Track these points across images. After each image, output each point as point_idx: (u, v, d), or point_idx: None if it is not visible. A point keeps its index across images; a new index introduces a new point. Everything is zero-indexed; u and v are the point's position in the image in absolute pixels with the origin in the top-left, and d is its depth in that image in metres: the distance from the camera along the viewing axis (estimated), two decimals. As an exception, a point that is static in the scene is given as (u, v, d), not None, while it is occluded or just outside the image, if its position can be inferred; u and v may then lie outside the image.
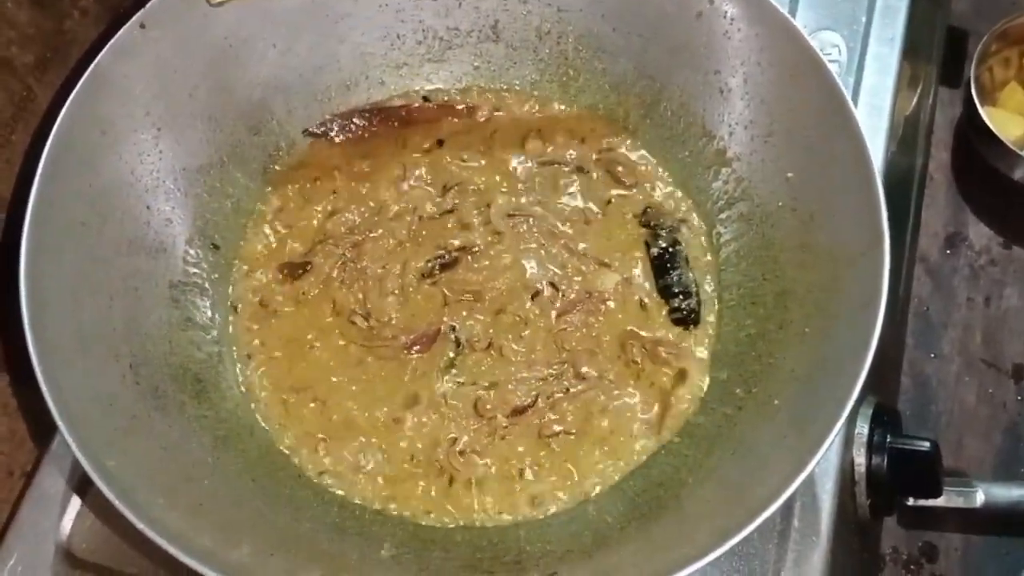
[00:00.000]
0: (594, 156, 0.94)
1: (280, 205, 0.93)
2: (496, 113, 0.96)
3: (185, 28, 0.85)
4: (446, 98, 0.96)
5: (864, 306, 0.73)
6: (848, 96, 0.79)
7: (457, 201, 0.92)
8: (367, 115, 0.95)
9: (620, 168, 0.92)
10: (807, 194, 0.82)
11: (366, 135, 0.95)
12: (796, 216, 0.83)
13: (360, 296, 0.89)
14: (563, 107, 0.96)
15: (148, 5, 0.82)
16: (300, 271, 0.90)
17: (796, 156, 0.83)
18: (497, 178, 0.94)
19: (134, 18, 0.82)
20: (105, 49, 0.81)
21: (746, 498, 0.71)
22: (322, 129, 0.95)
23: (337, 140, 0.95)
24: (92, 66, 0.80)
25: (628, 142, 0.94)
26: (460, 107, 0.96)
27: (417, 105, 0.96)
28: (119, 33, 0.81)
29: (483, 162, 0.94)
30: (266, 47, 0.90)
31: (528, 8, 0.92)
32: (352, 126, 0.95)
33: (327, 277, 0.90)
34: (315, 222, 0.92)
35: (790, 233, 0.83)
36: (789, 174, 0.83)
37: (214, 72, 0.88)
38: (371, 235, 0.91)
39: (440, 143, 0.95)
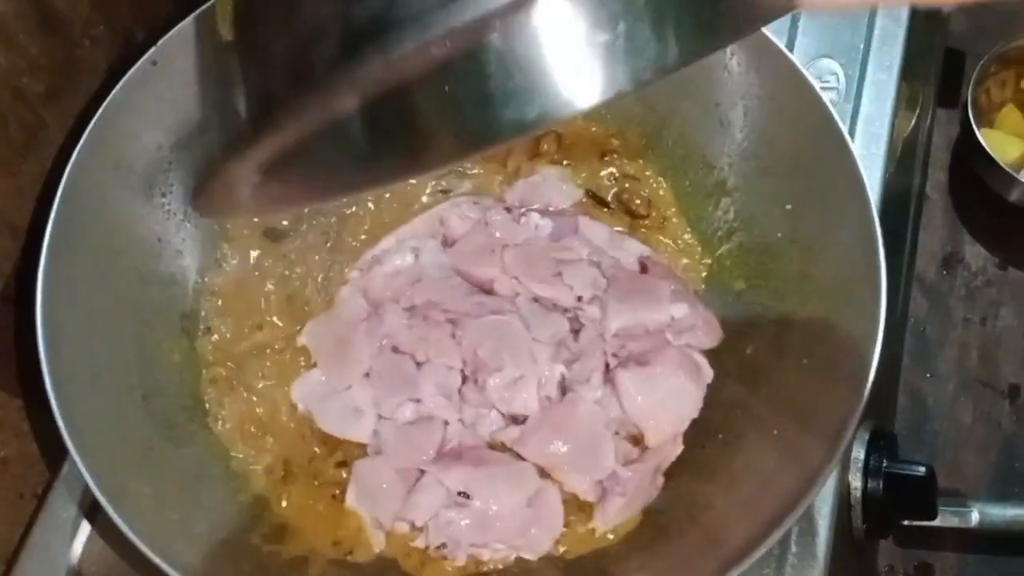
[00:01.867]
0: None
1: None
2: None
3: (196, 64, 0.86)
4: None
5: (862, 337, 0.74)
6: (845, 129, 0.81)
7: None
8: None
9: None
10: (806, 225, 0.84)
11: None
12: (795, 247, 0.84)
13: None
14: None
15: (160, 42, 0.84)
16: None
17: (795, 188, 0.84)
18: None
19: (146, 55, 0.83)
20: (118, 86, 0.83)
21: (744, 527, 0.72)
22: None
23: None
24: (105, 103, 0.82)
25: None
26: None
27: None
28: (131, 70, 0.83)
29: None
30: (274, 80, 0.91)
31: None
32: None
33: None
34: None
35: (789, 264, 0.84)
36: (788, 205, 0.85)
37: (224, 106, 0.89)
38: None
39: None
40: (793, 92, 0.83)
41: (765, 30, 0.82)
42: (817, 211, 0.83)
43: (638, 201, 0.92)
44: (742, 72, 0.86)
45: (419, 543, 0.81)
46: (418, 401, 0.84)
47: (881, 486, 0.90)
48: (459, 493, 0.80)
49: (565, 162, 0.95)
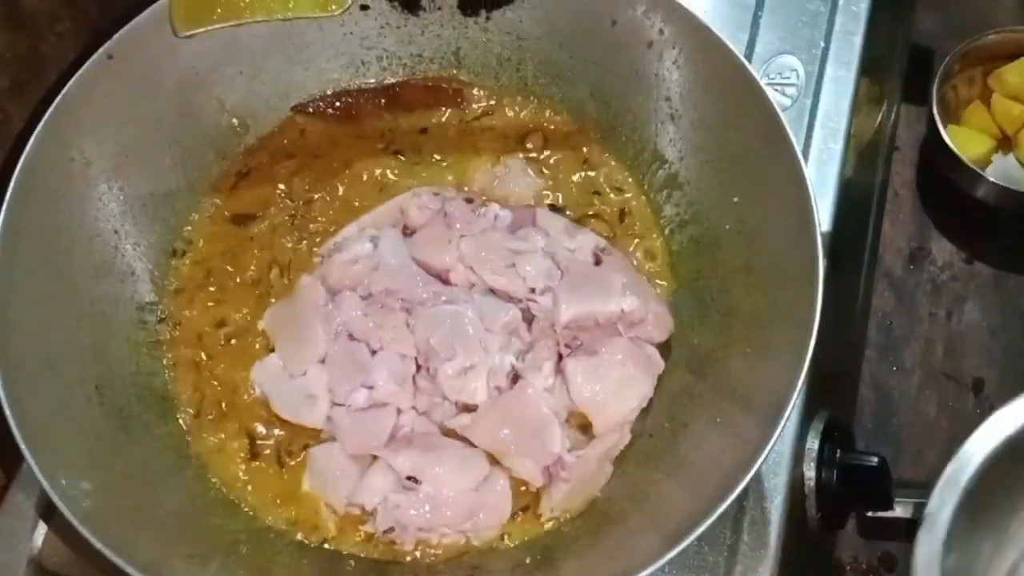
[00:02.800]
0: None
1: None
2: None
3: (152, 57, 0.87)
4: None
5: (799, 326, 0.75)
6: (785, 122, 0.81)
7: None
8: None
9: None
10: (751, 218, 0.85)
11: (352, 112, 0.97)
12: (741, 239, 0.85)
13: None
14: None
15: (116, 36, 0.85)
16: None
17: (741, 181, 0.85)
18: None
19: (101, 49, 0.84)
20: (73, 79, 0.84)
21: (684, 513, 0.73)
22: (313, 107, 0.97)
23: (328, 114, 0.97)
24: (60, 95, 0.83)
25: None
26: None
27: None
28: (87, 64, 0.84)
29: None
30: (233, 74, 0.93)
31: (488, 37, 0.95)
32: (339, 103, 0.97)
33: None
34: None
35: (736, 256, 0.85)
36: (735, 198, 0.86)
37: (181, 99, 0.90)
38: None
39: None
40: (738, 86, 0.84)
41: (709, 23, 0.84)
42: (761, 203, 0.84)
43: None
44: (689, 67, 0.88)
45: (368, 527, 0.82)
46: (371, 388, 0.85)
47: (835, 476, 0.92)
48: (408, 478, 0.82)
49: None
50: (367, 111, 0.97)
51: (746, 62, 0.84)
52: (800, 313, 0.76)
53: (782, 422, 0.72)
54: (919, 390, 1.20)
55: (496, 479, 0.83)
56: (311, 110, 0.97)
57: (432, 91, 0.98)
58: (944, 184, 1.23)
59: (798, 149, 0.80)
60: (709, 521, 0.70)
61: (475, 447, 0.84)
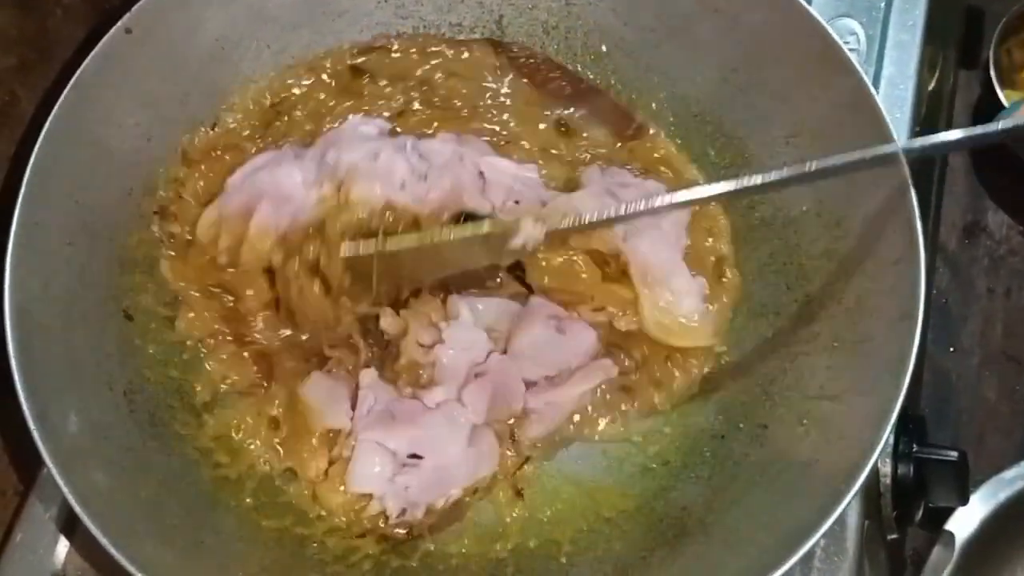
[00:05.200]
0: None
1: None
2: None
3: (174, 31, 0.81)
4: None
5: (899, 320, 0.70)
6: (875, 92, 0.75)
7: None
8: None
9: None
10: (833, 198, 0.79)
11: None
12: (820, 221, 0.80)
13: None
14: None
15: (134, 8, 0.79)
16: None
17: (819, 158, 0.79)
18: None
19: (119, 23, 0.78)
20: (89, 57, 0.78)
21: (777, 528, 0.67)
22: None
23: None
24: (76, 75, 0.77)
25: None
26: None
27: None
28: (104, 39, 0.78)
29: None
30: (260, 48, 0.87)
31: (534, 3, 0.89)
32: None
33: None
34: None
35: (815, 239, 0.80)
36: (814, 177, 0.80)
37: (206, 76, 0.84)
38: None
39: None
40: (818, 53, 0.78)
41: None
42: (846, 183, 0.77)
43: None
44: (762, 34, 0.81)
45: (372, 511, 0.78)
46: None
47: (911, 472, 0.86)
48: (410, 456, 0.78)
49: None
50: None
51: (827, 25, 0.77)
52: (899, 307, 0.70)
53: (885, 433, 0.67)
54: (978, 372, 1.15)
55: (480, 429, 0.80)
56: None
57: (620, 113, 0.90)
58: (999, 153, 1.17)
59: (889, 120, 0.73)
60: (810, 543, 0.64)
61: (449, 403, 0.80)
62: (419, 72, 0.90)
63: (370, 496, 0.78)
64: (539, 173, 0.87)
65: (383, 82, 0.90)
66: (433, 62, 0.90)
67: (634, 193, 0.83)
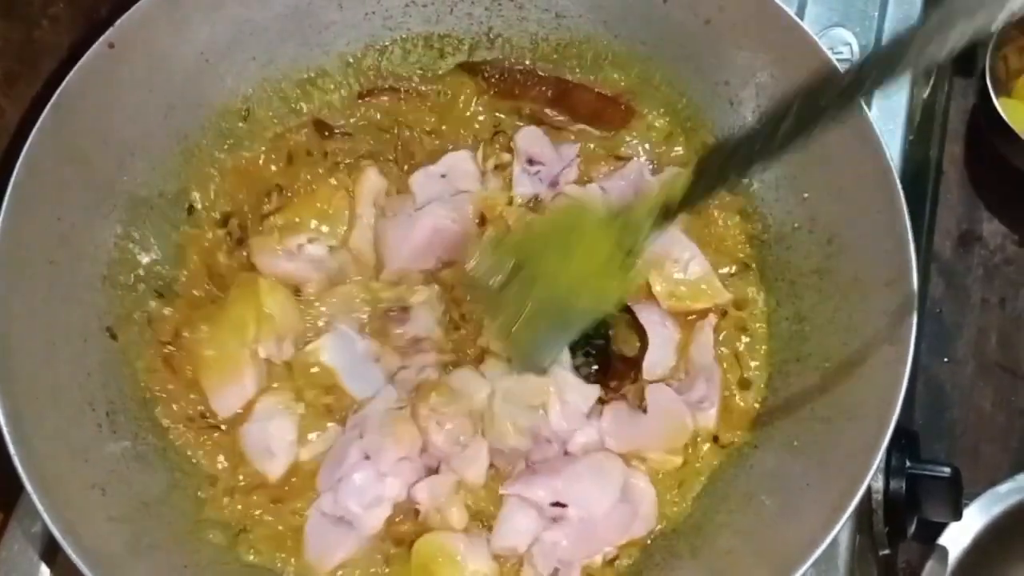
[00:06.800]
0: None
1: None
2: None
3: (158, 45, 0.80)
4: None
5: (890, 344, 0.69)
6: (868, 109, 0.74)
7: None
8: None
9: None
10: (825, 216, 0.78)
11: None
12: (812, 239, 0.79)
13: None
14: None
15: (117, 22, 0.78)
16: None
17: (813, 175, 0.79)
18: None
19: (102, 37, 0.77)
20: (72, 72, 0.76)
21: (767, 552, 0.67)
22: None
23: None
24: (58, 91, 0.76)
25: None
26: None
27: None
28: (87, 54, 0.77)
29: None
30: (246, 60, 0.85)
31: (524, 14, 0.88)
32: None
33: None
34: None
35: (806, 257, 0.79)
36: (805, 194, 0.79)
37: (191, 89, 0.83)
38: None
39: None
40: (811, 68, 0.76)
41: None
42: (838, 201, 0.77)
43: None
44: (754, 47, 0.80)
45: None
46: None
47: (904, 487, 0.85)
48: (552, 504, 0.74)
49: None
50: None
51: (818, 40, 0.76)
52: (891, 328, 0.69)
53: (877, 456, 0.66)
54: (973, 383, 1.14)
55: (636, 478, 0.76)
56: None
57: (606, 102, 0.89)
58: (994, 161, 1.17)
59: (882, 138, 0.72)
60: (802, 568, 0.63)
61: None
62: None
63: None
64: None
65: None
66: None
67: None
